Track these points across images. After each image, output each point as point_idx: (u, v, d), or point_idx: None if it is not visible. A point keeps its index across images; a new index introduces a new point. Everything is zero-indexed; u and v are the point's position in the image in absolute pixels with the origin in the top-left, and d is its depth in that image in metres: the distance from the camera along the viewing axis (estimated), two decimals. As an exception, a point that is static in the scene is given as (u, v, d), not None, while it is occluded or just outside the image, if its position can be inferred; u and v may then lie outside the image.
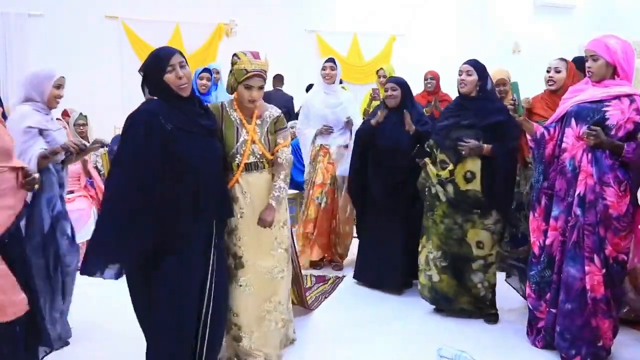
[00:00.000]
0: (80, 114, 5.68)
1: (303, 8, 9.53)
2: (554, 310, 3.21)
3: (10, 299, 2.32)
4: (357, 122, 4.78)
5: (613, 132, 2.99)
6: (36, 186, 2.40)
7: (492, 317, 3.79)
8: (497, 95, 3.89)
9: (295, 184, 5.70)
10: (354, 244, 4.90)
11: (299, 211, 5.67)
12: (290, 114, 7.37)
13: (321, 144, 4.85)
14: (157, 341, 2.62)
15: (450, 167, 3.66)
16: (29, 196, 2.86)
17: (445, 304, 3.86)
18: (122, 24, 8.22)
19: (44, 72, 3.32)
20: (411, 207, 4.17)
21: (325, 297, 4.13)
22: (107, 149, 5.24)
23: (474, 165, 3.61)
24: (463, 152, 3.54)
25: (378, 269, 4.36)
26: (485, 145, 3.53)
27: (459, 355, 3.17)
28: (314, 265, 4.93)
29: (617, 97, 3.01)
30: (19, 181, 2.39)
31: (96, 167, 5.40)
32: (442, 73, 6.37)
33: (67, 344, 3.45)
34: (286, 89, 8.22)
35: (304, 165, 5.11)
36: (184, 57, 2.60)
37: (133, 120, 2.51)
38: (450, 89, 6.45)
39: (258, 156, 2.95)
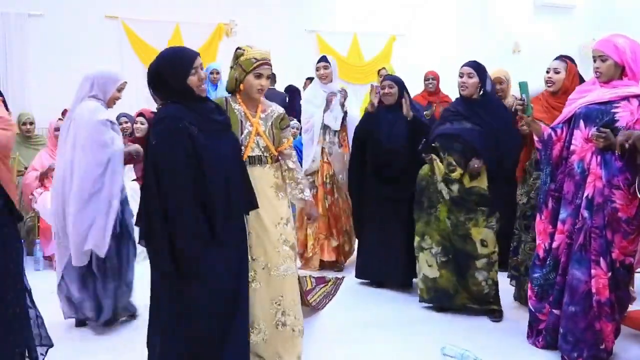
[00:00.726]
0: (81, 114, 5.67)
1: (303, 8, 9.52)
2: (556, 312, 3.20)
3: None
4: (355, 122, 4.76)
5: None
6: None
7: (496, 313, 3.79)
8: (496, 95, 3.88)
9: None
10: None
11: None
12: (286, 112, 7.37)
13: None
14: (191, 343, 2.57)
15: (459, 171, 3.66)
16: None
17: (446, 300, 3.85)
18: (122, 24, 8.21)
19: (110, 75, 3.60)
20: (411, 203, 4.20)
21: (330, 299, 4.09)
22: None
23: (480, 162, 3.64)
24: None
25: (380, 265, 4.36)
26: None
27: (463, 353, 3.17)
28: (326, 266, 4.92)
29: (626, 98, 2.99)
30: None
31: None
32: (442, 73, 6.37)
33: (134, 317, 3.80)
34: (284, 88, 8.24)
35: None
36: None
37: (164, 127, 2.47)
38: (450, 90, 6.46)
39: (262, 149, 2.95)
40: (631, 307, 3.44)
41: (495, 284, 3.78)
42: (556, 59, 3.75)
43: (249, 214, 2.81)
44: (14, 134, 2.69)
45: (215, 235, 2.51)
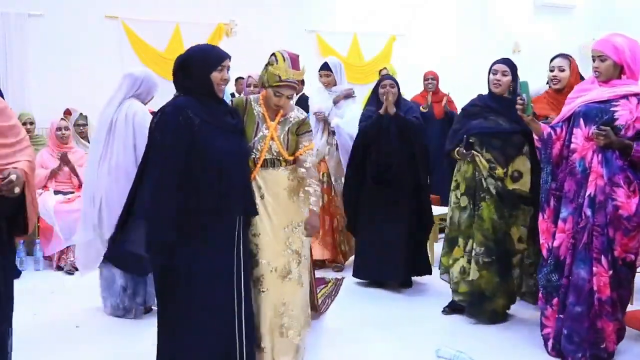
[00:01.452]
0: (81, 114, 5.68)
1: (303, 8, 9.51)
2: (562, 317, 3.16)
3: None
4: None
5: (622, 132, 2.98)
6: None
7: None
8: None
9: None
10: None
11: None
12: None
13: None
14: (185, 340, 2.60)
15: (501, 169, 3.56)
16: None
17: (477, 305, 3.69)
18: (122, 24, 8.20)
19: (155, 80, 3.86)
20: (411, 201, 4.21)
21: (332, 300, 4.09)
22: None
23: (523, 164, 3.57)
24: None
25: (378, 264, 4.34)
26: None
27: (457, 355, 3.17)
28: (315, 265, 4.92)
29: (625, 96, 3.00)
30: None
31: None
32: (442, 73, 6.38)
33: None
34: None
35: None
36: None
37: (163, 114, 2.57)
38: (450, 89, 6.47)
39: (275, 154, 2.89)
40: (631, 307, 3.44)
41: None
42: (558, 56, 3.74)
43: (247, 218, 2.78)
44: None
45: (195, 230, 2.52)
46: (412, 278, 4.46)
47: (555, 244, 3.18)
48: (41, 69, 7.27)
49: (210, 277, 2.61)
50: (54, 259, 4.97)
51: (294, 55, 2.86)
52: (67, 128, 5.27)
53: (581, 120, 3.09)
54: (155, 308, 3.71)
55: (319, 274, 4.78)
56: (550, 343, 3.24)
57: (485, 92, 3.79)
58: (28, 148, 2.31)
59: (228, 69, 2.66)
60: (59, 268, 4.92)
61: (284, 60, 2.80)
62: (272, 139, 2.88)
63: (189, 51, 2.67)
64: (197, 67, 2.60)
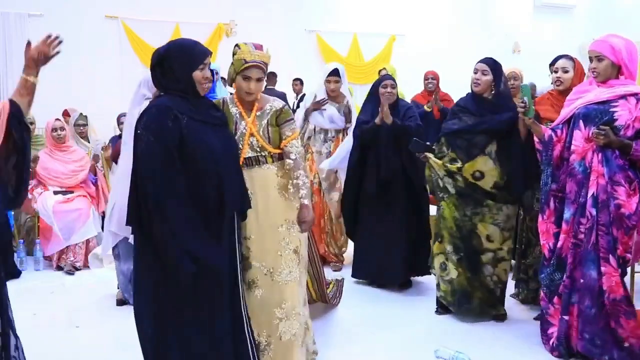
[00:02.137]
0: (81, 114, 5.67)
1: (303, 8, 9.53)
2: (566, 318, 3.15)
3: None
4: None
5: (622, 132, 2.98)
6: None
7: (500, 317, 3.73)
8: (510, 95, 3.82)
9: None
10: (350, 244, 4.88)
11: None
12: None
13: (307, 143, 4.85)
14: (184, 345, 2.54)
15: (459, 164, 3.62)
16: None
17: (464, 303, 3.72)
18: (122, 24, 8.22)
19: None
20: (410, 200, 4.21)
21: (338, 301, 4.06)
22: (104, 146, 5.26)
23: (484, 164, 3.58)
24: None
25: (377, 263, 4.33)
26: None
27: (456, 356, 3.16)
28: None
29: (624, 96, 3.01)
30: None
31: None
32: (442, 73, 6.38)
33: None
34: (286, 89, 8.24)
35: None
36: None
37: (149, 115, 2.45)
38: (450, 89, 6.47)
39: (257, 150, 2.79)
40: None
41: (502, 283, 3.70)
42: (561, 57, 3.73)
43: (240, 215, 2.70)
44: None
45: (209, 228, 2.45)
46: (412, 278, 4.46)
47: (558, 244, 3.17)
48: (41, 68, 7.28)
49: (210, 276, 2.54)
50: (54, 259, 4.97)
51: (257, 44, 2.82)
52: (62, 128, 5.24)
53: (581, 122, 3.09)
54: None
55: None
56: (552, 342, 3.23)
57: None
58: None
59: (209, 66, 2.55)
60: (59, 268, 4.92)
61: (246, 45, 2.79)
62: (252, 134, 2.80)
63: (168, 46, 2.52)
64: (178, 64, 2.47)
